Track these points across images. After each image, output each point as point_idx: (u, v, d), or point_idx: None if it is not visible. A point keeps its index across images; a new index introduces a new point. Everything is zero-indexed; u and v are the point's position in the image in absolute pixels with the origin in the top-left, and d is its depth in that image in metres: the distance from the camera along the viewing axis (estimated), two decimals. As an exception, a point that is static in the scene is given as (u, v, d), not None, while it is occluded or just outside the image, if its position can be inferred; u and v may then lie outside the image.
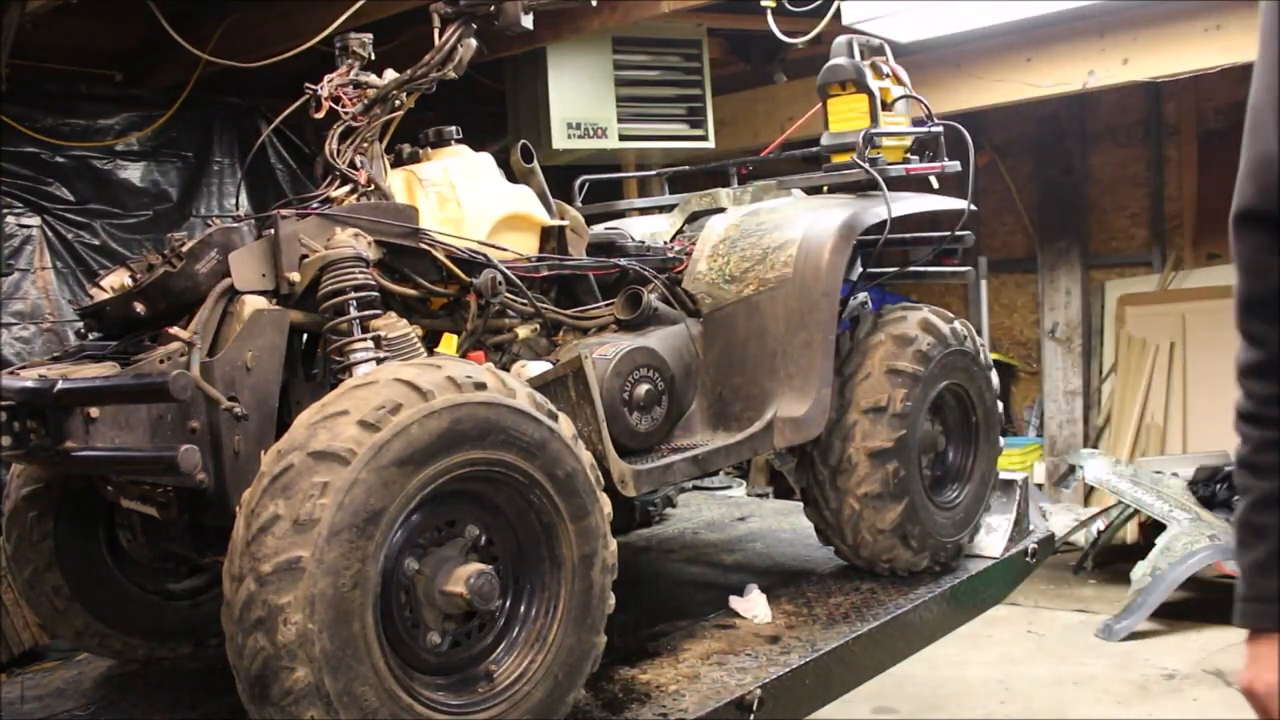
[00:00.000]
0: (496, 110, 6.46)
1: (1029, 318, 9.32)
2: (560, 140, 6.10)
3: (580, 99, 6.18)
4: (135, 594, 2.95)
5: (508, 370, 2.70)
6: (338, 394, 2.04)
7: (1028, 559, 3.73)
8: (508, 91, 6.39)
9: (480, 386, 2.11)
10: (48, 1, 4.49)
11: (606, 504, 2.35)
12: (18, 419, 2.21)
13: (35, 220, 5.63)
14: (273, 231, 2.43)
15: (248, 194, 6.43)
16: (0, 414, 2.19)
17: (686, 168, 4.28)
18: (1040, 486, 8.57)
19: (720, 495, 5.23)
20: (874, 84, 3.56)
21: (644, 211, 4.04)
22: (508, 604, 2.26)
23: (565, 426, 2.27)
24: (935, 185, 3.65)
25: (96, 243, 5.83)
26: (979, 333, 3.58)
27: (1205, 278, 8.20)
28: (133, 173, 6.11)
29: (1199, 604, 6.37)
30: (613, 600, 2.36)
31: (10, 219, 5.55)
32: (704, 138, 6.63)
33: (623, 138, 6.31)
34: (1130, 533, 7.25)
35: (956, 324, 3.42)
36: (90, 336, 2.58)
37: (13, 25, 4.42)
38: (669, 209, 3.90)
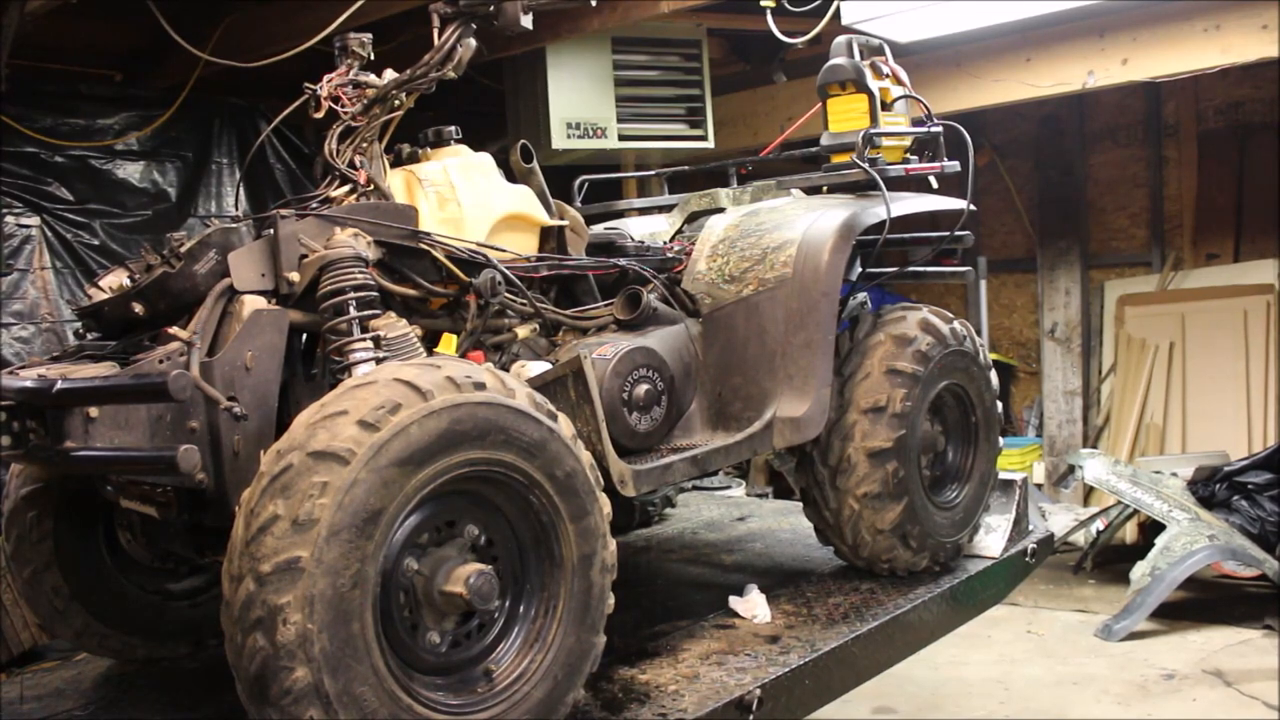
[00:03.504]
0: (496, 110, 6.46)
1: (1028, 318, 9.32)
2: (560, 140, 6.10)
3: (580, 99, 6.18)
4: (135, 594, 2.94)
5: (507, 370, 2.71)
6: (337, 394, 2.04)
7: (1027, 559, 3.72)
8: (507, 91, 6.39)
9: (480, 386, 2.11)
10: (48, 1, 4.48)
11: (606, 504, 2.35)
12: (17, 419, 2.21)
13: (35, 220, 5.64)
14: (272, 231, 2.43)
15: (247, 194, 6.44)
16: (-1, 414, 2.19)
17: (686, 168, 4.28)
18: (1040, 486, 8.58)
19: (720, 495, 5.23)
20: (874, 84, 3.56)
21: (643, 211, 4.04)
22: (507, 604, 2.25)
23: (565, 426, 2.27)
24: (935, 185, 3.65)
25: (96, 242, 5.84)
26: (978, 333, 3.57)
27: (1204, 278, 8.22)
28: (132, 172, 6.11)
29: (1198, 604, 6.38)
30: (612, 600, 2.36)
31: (10, 219, 5.55)
32: (704, 138, 6.63)
33: (622, 138, 6.31)
34: (1130, 533, 7.27)
35: (956, 324, 3.42)
36: (89, 337, 2.58)
37: (13, 25, 4.41)
38: (669, 209, 3.90)
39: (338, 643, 1.88)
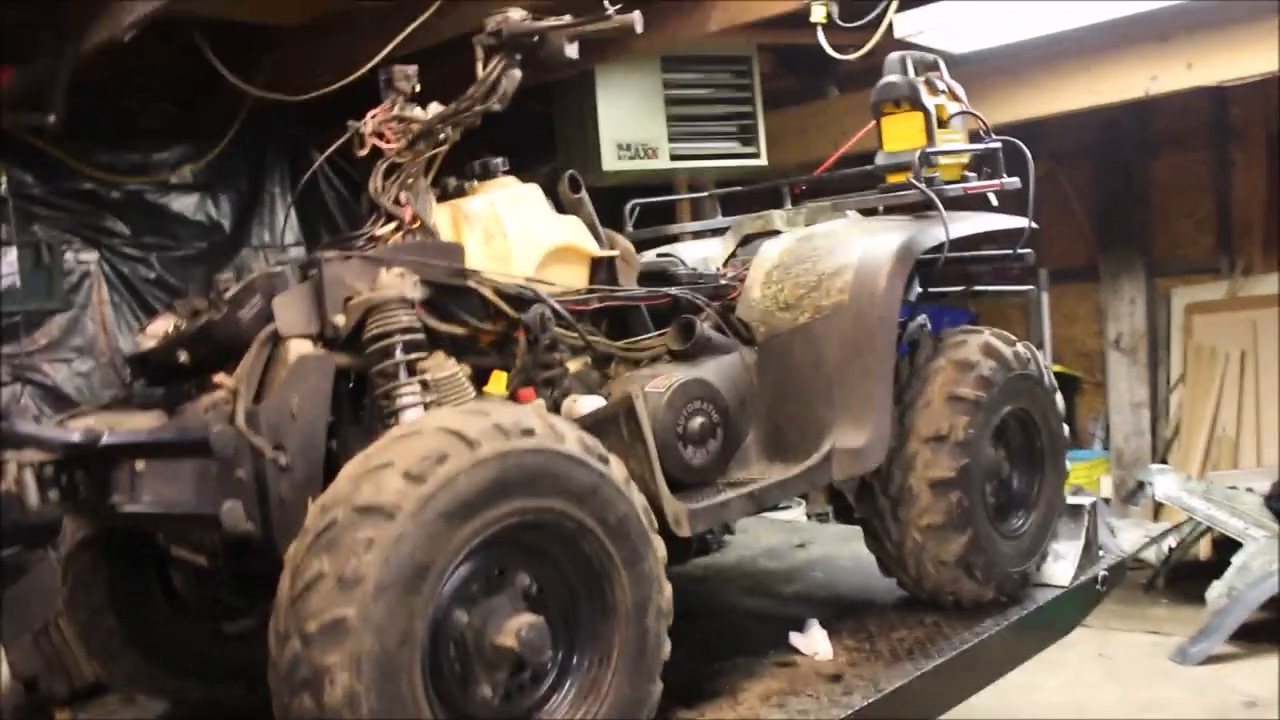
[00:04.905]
0: (545, 132, 6.44)
1: (1091, 328, 9.10)
2: (610, 162, 6.05)
3: (630, 119, 6.13)
4: (190, 636, 2.95)
5: (559, 405, 2.66)
6: (382, 445, 2.00)
7: (1098, 587, 3.62)
8: (556, 114, 6.36)
9: (528, 433, 2.06)
10: (102, 42, 4.52)
11: (660, 547, 2.29)
12: (65, 471, 2.20)
13: (93, 255, 5.70)
14: (316, 274, 2.40)
15: (300, 222, 6.46)
16: (48, 468, 2.17)
17: (739, 188, 4.21)
18: (1107, 501, 8.37)
19: (779, 519, 5.15)
20: (929, 101, 3.47)
21: (696, 235, 3.98)
22: (560, 654, 2.20)
23: (617, 470, 2.21)
24: (994, 203, 3.55)
25: (152, 276, 5.88)
26: (1041, 346, 3.48)
27: (1276, 284, 7.97)
28: (186, 205, 6.15)
29: (1280, 625, 6.16)
30: (668, 646, 2.30)
31: (69, 255, 5.62)
32: (756, 155, 6.55)
33: (674, 157, 6.25)
34: (1203, 549, 7.04)
35: (1019, 347, 3.32)
36: (137, 383, 2.57)
37: (69, 66, 4.47)
38: (721, 231, 3.84)
39: (385, 701, 1.84)
